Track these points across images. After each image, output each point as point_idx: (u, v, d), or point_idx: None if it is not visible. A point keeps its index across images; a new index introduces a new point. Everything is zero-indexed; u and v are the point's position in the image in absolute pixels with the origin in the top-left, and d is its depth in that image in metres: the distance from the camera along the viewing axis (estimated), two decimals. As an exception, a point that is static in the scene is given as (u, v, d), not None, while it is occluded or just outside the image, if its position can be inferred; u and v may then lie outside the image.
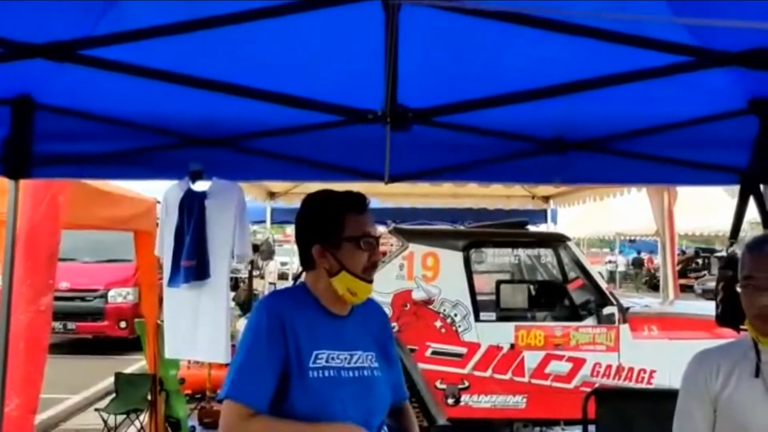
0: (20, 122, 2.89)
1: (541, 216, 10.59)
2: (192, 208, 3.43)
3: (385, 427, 2.01)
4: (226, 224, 3.44)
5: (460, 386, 5.54)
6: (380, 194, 9.73)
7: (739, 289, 1.88)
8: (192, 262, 3.40)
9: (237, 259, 3.67)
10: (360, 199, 1.97)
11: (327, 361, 1.87)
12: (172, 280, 3.47)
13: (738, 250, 2.11)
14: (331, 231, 1.91)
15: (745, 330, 1.94)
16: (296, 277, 2.10)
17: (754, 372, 1.87)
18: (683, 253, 28.15)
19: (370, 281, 1.92)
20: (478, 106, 1.96)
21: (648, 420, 3.06)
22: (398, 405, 2.12)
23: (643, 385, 5.39)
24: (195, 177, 3.36)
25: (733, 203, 3.24)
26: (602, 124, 3.10)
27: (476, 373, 5.56)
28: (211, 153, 3.28)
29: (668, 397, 2.06)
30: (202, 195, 3.44)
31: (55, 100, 2.88)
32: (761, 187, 3.17)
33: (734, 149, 3.16)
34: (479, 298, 5.81)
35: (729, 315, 2.05)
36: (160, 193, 3.95)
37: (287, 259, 19.03)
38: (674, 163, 3.30)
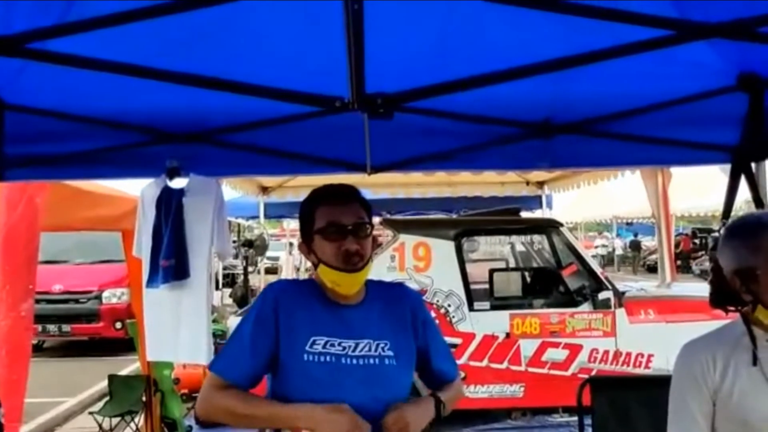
0: (-11, 124, 2.81)
1: (536, 202, 10.54)
2: (169, 206, 3.35)
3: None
4: (204, 222, 3.36)
5: (457, 377, 5.48)
6: (374, 185, 9.66)
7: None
8: (170, 261, 3.32)
9: (217, 257, 3.59)
10: (333, 191, 1.95)
11: (325, 347, 1.86)
12: (151, 281, 3.39)
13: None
14: (307, 226, 1.95)
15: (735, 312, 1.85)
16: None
17: (752, 360, 1.78)
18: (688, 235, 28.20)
19: (350, 271, 1.87)
20: (453, 88, 1.87)
21: (644, 407, 3.00)
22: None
23: (641, 370, 5.34)
24: (172, 174, 3.27)
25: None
26: (589, 105, 3.02)
27: (472, 364, 5.50)
28: (188, 149, 3.19)
29: (664, 383, 1.97)
30: (180, 192, 3.36)
31: (25, 100, 2.79)
32: (752, 165, 3.10)
33: (725, 127, 3.08)
34: (473, 287, 5.74)
35: (722, 297, 1.94)
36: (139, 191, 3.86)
37: (278, 253, 18.95)
38: (664, 144, 3.23)
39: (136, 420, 5.62)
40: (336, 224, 1.89)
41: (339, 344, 1.88)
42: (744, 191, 3.13)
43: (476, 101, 2.86)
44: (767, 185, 3.54)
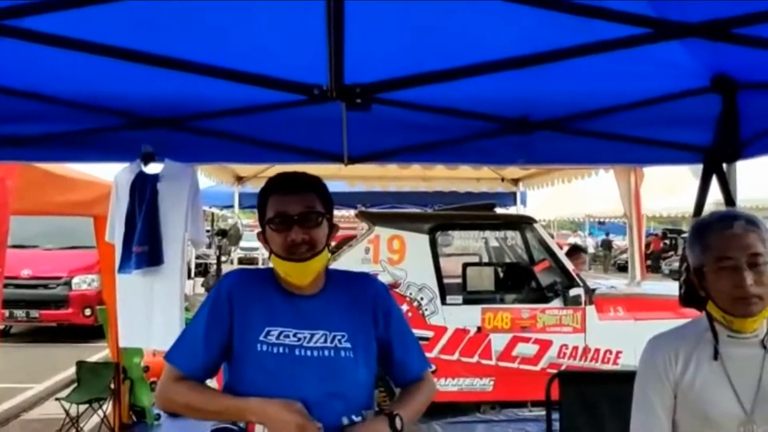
0: (-44, 103, 2.75)
1: (510, 198, 10.61)
2: (143, 192, 3.32)
3: (366, 412, 1.90)
4: (179, 208, 3.33)
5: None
6: (350, 177, 9.66)
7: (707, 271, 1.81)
8: (144, 247, 3.28)
9: (191, 245, 3.57)
10: (283, 180, 1.92)
11: (279, 338, 1.84)
12: (123, 267, 3.35)
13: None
14: (261, 216, 1.94)
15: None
16: None
17: (713, 355, 1.82)
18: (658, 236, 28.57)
19: (298, 260, 1.85)
20: (430, 80, 1.87)
21: (611, 401, 3.04)
22: (406, 384, 2.04)
23: (610, 366, 5.41)
24: (146, 159, 3.24)
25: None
26: (566, 102, 3.04)
27: (443, 357, 5.53)
28: (163, 134, 3.16)
29: (630, 378, 2.01)
30: (154, 178, 3.33)
31: (-3, 79, 2.74)
32: (724, 166, 3.15)
33: (698, 128, 3.13)
34: (446, 281, 5.77)
35: (692, 295, 1.98)
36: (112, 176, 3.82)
37: (254, 243, 18.83)
38: (638, 143, 3.27)
39: (104, 407, 5.57)
40: (282, 214, 1.86)
41: (294, 335, 1.85)
42: (715, 192, 3.18)
43: (454, 96, 2.87)
44: (737, 186, 3.59)
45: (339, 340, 1.88)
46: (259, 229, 1.98)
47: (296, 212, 1.85)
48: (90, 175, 4.97)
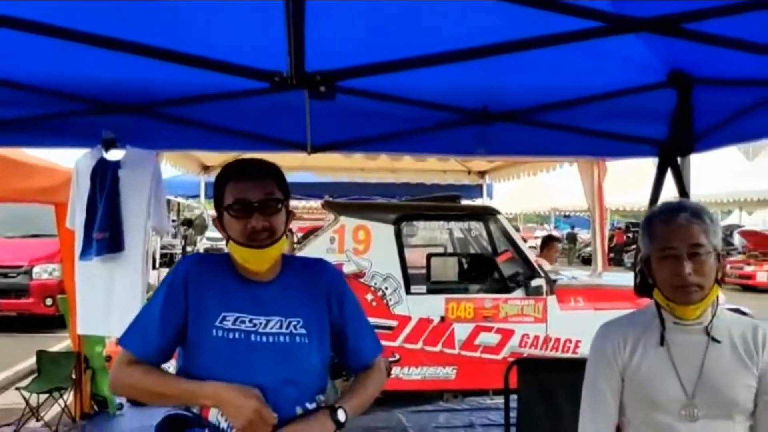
0: None
1: (477, 191, 10.70)
2: (105, 178, 3.29)
3: (320, 397, 1.92)
4: (140, 195, 3.31)
5: (391, 359, 5.54)
6: (317, 168, 9.65)
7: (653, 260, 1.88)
8: (104, 234, 3.26)
9: (153, 232, 3.55)
10: (242, 166, 1.91)
11: (235, 324, 1.83)
12: (84, 253, 3.33)
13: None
14: (218, 202, 1.92)
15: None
16: None
17: (660, 341, 1.88)
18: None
19: (257, 247, 1.84)
20: (391, 68, 1.89)
21: (567, 388, 3.10)
22: (358, 370, 2.04)
23: (569, 355, 5.50)
24: (108, 145, 3.21)
25: (663, 178, 3.28)
26: (525, 94, 3.09)
27: (407, 346, 5.57)
28: (125, 120, 3.15)
29: (585, 365, 2.07)
30: (116, 164, 3.31)
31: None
32: (678, 159, 3.23)
33: (654, 122, 3.20)
34: (411, 271, 5.81)
35: (645, 284, 2.04)
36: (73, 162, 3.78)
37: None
38: (596, 135, 3.34)
39: (65, 397, 5.51)
40: (242, 201, 1.85)
41: (249, 321, 1.85)
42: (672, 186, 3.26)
43: (417, 86, 2.90)
44: (691, 179, 3.68)
45: (294, 326, 1.88)
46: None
47: (257, 199, 1.84)
48: (50, 161, 4.90)
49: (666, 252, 1.83)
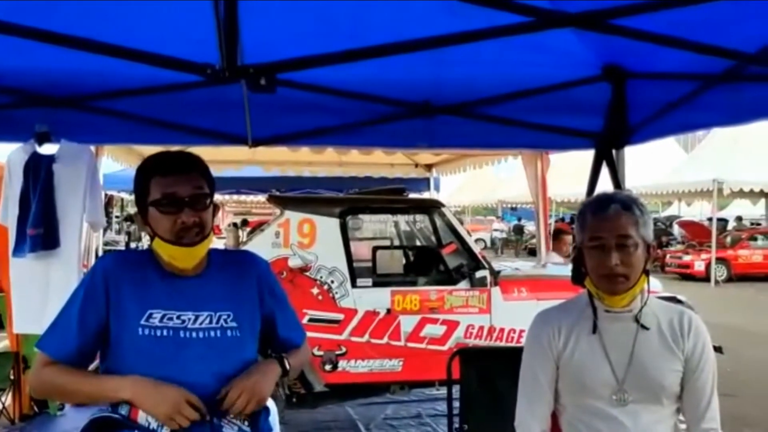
0: None
1: (424, 184, 10.75)
2: (38, 173, 3.21)
3: None
4: (76, 189, 3.23)
5: (338, 352, 5.54)
6: (265, 162, 9.55)
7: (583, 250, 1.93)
8: (39, 230, 3.18)
9: (90, 228, 3.47)
10: (168, 160, 1.84)
11: (162, 321, 1.79)
12: (18, 250, 3.24)
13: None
14: (142, 197, 1.84)
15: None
16: None
17: (592, 329, 1.94)
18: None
19: (188, 245, 1.80)
20: (328, 60, 1.88)
21: (508, 376, 3.14)
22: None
23: (513, 344, 5.58)
24: (41, 139, 3.12)
25: (605, 170, 3.36)
26: (466, 89, 3.13)
27: (353, 339, 5.57)
28: (59, 113, 3.07)
29: (523, 353, 2.11)
30: (50, 158, 3.22)
31: None
32: (613, 152, 3.31)
33: (591, 115, 3.28)
34: (356, 264, 5.80)
35: (579, 275, 2.10)
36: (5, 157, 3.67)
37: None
38: (535, 128, 3.39)
39: (3, 398, 5.36)
40: (171, 196, 1.78)
41: (178, 317, 1.80)
42: (630, 179, 3.34)
43: (360, 80, 2.91)
44: (632, 171, 3.77)
45: (225, 320, 1.86)
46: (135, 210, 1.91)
47: (187, 194, 1.78)
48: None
49: (594, 242, 1.88)
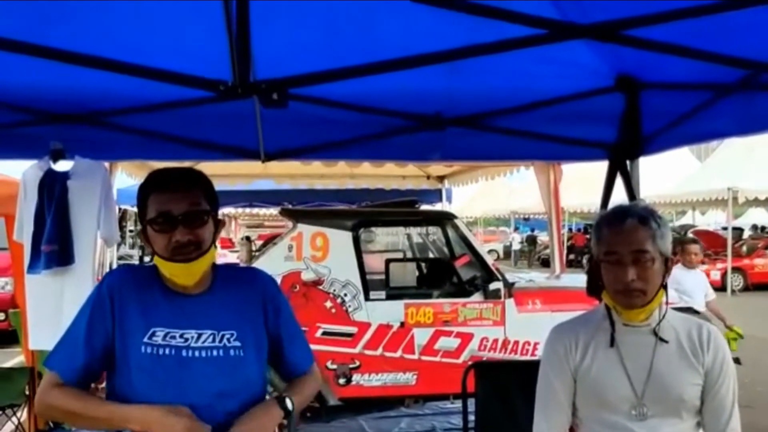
0: None
1: (436, 196, 10.74)
2: (53, 190, 3.22)
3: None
4: (90, 206, 3.24)
5: (351, 366, 5.53)
6: (277, 176, 9.59)
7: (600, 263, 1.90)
8: (53, 246, 3.19)
9: (104, 243, 3.48)
10: (164, 177, 1.81)
11: (164, 339, 1.76)
12: (32, 267, 3.25)
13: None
14: (141, 215, 1.82)
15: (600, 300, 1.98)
16: None
17: (610, 342, 1.91)
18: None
19: (185, 261, 1.75)
20: (339, 76, 1.89)
21: (524, 390, 3.11)
22: (296, 378, 2.00)
23: (528, 357, 5.54)
24: (56, 156, 3.14)
25: (619, 181, 3.34)
26: (478, 100, 3.13)
27: (367, 352, 5.56)
28: (74, 130, 3.09)
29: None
30: (64, 175, 3.24)
31: None
32: (627, 162, 3.29)
33: (604, 126, 3.27)
34: (369, 277, 5.79)
35: (594, 286, 2.08)
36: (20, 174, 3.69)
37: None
38: (547, 140, 3.39)
39: (19, 414, 5.37)
40: (165, 214, 1.75)
41: (180, 335, 1.77)
42: (647, 189, 3.31)
43: (371, 93, 2.91)
44: (645, 181, 3.75)
45: (228, 339, 1.82)
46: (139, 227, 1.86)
47: (180, 212, 1.74)
48: (-1, 172, 4.80)
49: (611, 257, 1.86)
